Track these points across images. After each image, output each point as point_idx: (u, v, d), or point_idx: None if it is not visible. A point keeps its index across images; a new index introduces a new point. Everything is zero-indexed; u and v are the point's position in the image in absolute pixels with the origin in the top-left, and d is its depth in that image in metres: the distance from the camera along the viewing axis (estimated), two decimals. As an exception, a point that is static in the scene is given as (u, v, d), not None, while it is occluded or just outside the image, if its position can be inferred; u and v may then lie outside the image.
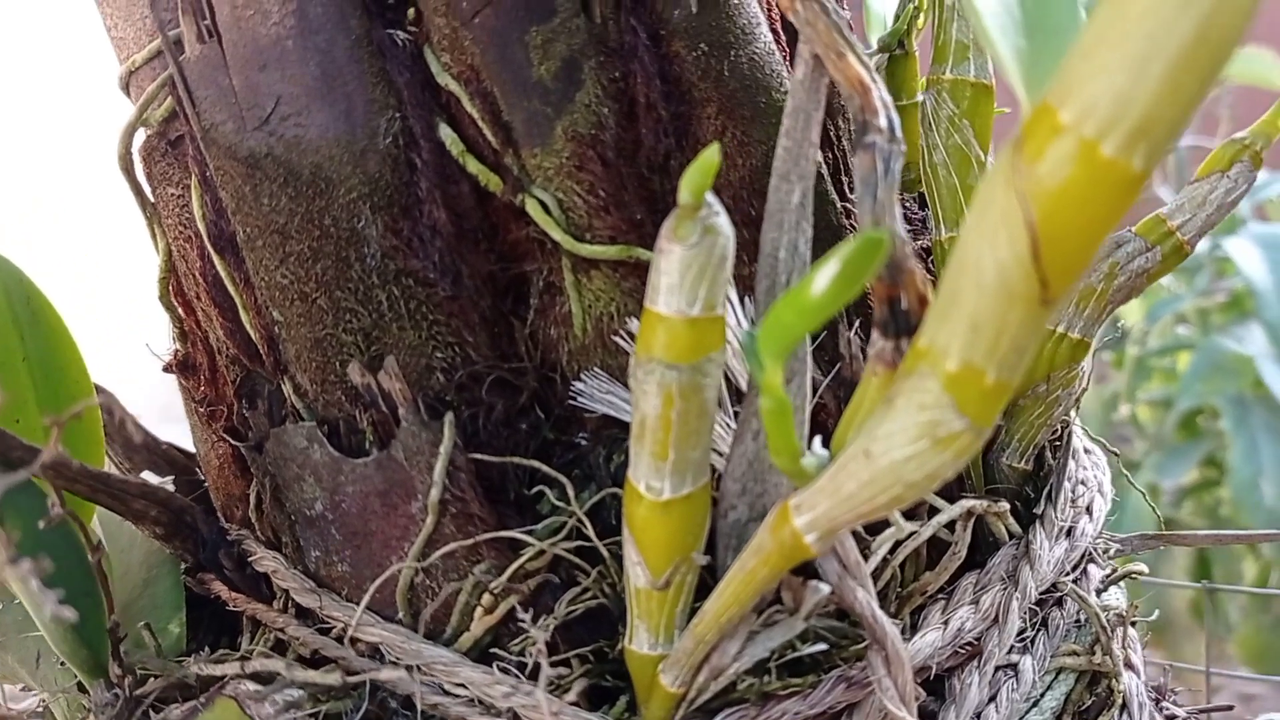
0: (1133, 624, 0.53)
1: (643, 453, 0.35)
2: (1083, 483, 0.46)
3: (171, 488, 0.47)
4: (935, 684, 0.42)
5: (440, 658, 0.39)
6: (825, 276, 0.28)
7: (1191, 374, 2.18)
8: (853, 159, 0.33)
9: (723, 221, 0.33)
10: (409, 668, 0.39)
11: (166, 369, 0.48)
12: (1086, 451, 0.50)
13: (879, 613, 0.37)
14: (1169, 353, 2.30)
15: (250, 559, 0.44)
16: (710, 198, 0.33)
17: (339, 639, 0.41)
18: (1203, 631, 2.26)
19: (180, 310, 0.46)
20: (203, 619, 0.49)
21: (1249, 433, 2.09)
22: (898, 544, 0.40)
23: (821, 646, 0.37)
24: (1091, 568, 0.46)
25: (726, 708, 0.37)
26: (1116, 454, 0.49)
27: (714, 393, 0.35)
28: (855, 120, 0.33)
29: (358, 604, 0.40)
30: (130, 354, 0.50)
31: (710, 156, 0.32)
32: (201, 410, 0.47)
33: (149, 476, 0.49)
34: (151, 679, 0.43)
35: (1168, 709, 0.54)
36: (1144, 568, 0.48)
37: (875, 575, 0.40)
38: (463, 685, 0.39)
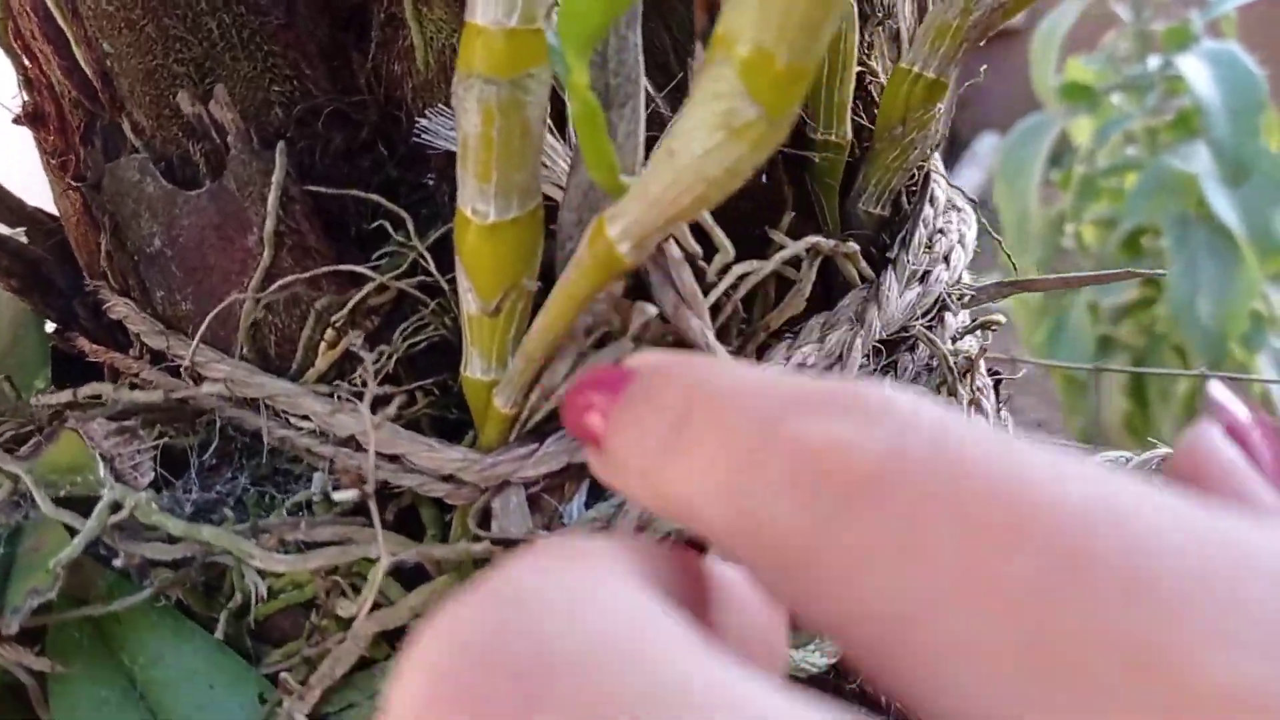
0: (996, 384, 0.54)
1: (467, 175, 0.35)
2: (941, 231, 0.46)
3: (25, 240, 0.46)
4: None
5: (283, 390, 0.39)
6: (607, -49, 0.27)
7: (1137, 193, 2.18)
8: None
9: (542, -74, 0.32)
10: (255, 402, 0.40)
11: (16, 121, 0.47)
12: (956, 209, 0.50)
13: (713, 340, 0.37)
14: (1117, 173, 2.28)
15: (105, 307, 0.44)
16: (528, -100, 0.32)
17: (193, 379, 0.42)
18: (1136, 447, 2.33)
19: (22, 54, 0.44)
20: (72, 376, 0.50)
21: (1189, 251, 2.10)
22: (740, 280, 0.40)
23: (650, 369, 0.37)
24: (947, 315, 0.46)
25: (560, 430, 0.37)
26: (977, 203, 0.49)
27: (538, 111, 0.35)
28: None
29: (203, 342, 0.40)
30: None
31: None
32: (54, 162, 0.46)
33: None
34: (3, 422, 0.43)
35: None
36: (1001, 319, 0.48)
37: (716, 311, 0.40)
38: (306, 417, 0.39)
